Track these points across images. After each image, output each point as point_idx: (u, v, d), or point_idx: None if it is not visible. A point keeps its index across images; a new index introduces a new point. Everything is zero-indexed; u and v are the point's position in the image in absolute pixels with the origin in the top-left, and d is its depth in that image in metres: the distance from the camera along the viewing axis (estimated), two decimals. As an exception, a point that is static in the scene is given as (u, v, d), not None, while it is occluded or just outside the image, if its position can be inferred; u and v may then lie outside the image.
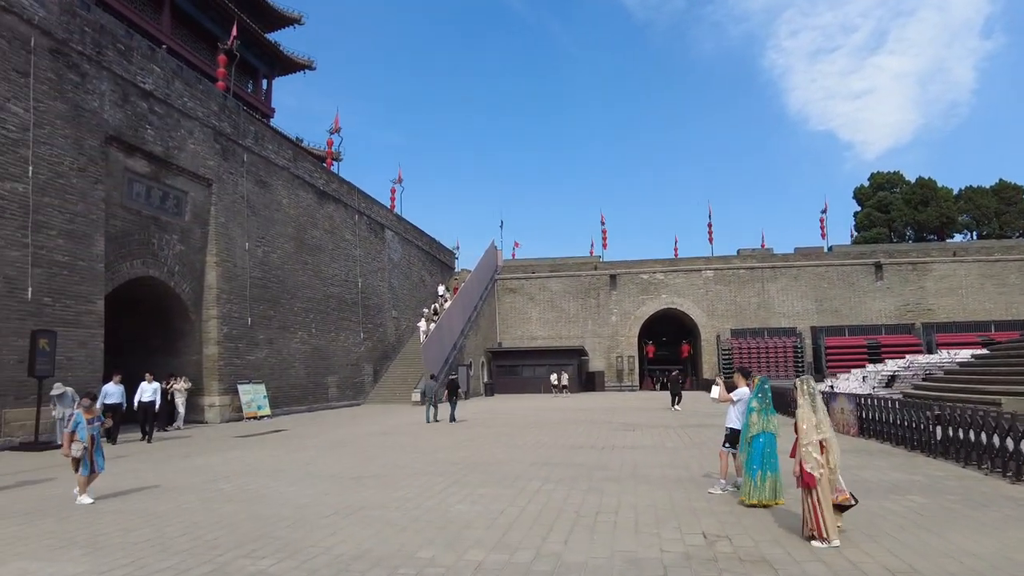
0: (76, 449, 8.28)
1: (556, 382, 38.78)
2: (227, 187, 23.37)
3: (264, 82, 40.13)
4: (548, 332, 47.79)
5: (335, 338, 30.63)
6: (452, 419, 20.20)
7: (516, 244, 55.37)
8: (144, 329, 22.10)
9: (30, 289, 15.27)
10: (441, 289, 41.96)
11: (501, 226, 63.02)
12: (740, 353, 43.98)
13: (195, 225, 21.84)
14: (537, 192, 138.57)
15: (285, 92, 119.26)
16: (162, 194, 20.40)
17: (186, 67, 22.20)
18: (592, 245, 64.76)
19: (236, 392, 22.37)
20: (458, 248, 52.62)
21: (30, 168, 15.54)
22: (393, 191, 41.30)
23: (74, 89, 17.03)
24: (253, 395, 23.08)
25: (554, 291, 48.45)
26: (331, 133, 35.44)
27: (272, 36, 39.32)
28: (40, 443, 14.25)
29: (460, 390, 21.20)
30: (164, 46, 24.81)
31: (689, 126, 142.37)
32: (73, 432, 8.29)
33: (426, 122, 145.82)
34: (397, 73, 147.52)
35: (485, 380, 41.97)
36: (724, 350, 44.46)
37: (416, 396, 30.58)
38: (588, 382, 45.32)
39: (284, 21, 39.91)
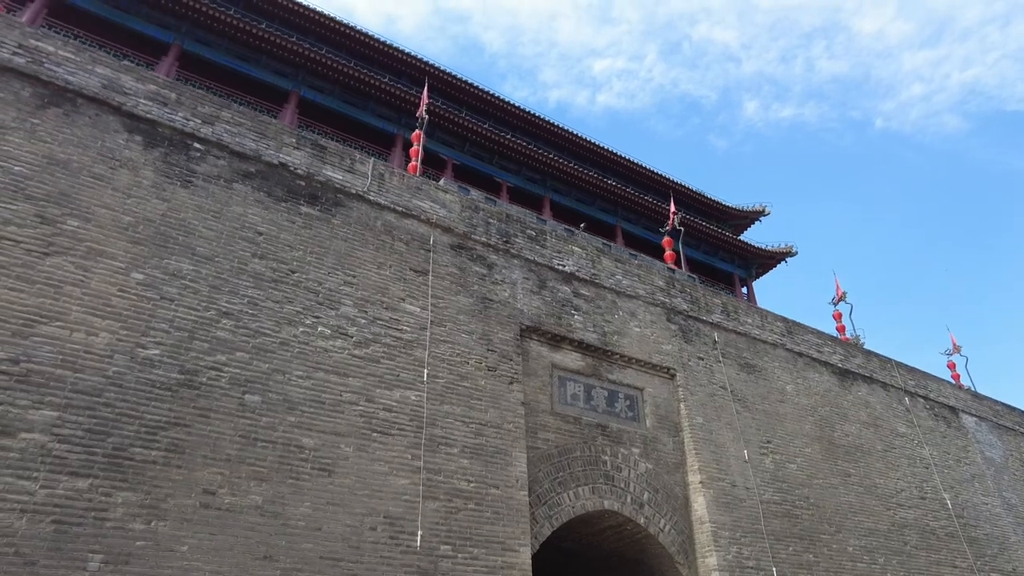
0: None
1: None
2: (697, 376, 16.83)
3: (744, 290, 34.95)
4: None
5: (945, 605, 17.70)
6: None
7: None
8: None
9: (420, 533, 10.65)
10: None
11: None
12: None
13: (661, 432, 15.44)
14: None
15: (763, 288, 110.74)
16: (607, 394, 15.07)
17: (613, 245, 18.36)
18: None
19: None
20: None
21: (425, 371, 12.25)
22: (952, 365, 27.65)
23: (479, 281, 14.22)
24: None
25: None
26: (835, 304, 26.58)
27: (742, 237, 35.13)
28: None
29: None
30: (583, 224, 22.08)
31: None
32: None
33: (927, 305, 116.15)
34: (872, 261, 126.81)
35: None
36: None
37: None
38: None
39: (747, 218, 35.67)
